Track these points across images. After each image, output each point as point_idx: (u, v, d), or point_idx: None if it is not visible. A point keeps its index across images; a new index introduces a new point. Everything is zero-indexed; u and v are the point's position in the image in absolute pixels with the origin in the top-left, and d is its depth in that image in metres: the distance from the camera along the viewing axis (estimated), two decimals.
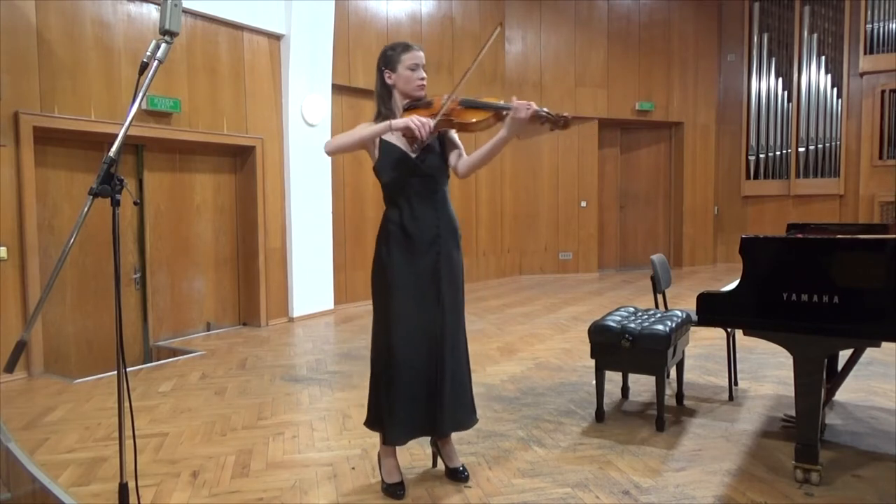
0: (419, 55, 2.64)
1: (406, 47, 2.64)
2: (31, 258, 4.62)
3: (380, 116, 2.66)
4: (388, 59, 2.64)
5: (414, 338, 2.58)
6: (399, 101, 2.66)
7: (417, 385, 2.58)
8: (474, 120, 2.53)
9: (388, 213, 2.66)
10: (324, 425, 3.52)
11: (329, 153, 2.71)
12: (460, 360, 2.71)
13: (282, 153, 6.53)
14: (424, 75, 2.65)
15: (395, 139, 2.60)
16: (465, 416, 2.73)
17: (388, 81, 2.64)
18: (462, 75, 2.56)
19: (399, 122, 2.51)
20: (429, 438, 2.81)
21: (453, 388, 2.64)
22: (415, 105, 2.63)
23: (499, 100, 2.57)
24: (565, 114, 2.45)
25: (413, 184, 2.61)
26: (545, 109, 2.47)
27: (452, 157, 2.67)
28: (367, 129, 2.60)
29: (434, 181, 2.64)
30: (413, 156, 2.60)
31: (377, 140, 2.61)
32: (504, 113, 2.50)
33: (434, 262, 2.61)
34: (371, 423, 2.72)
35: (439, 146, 2.66)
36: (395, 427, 2.59)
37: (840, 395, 3.76)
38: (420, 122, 2.44)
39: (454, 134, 2.70)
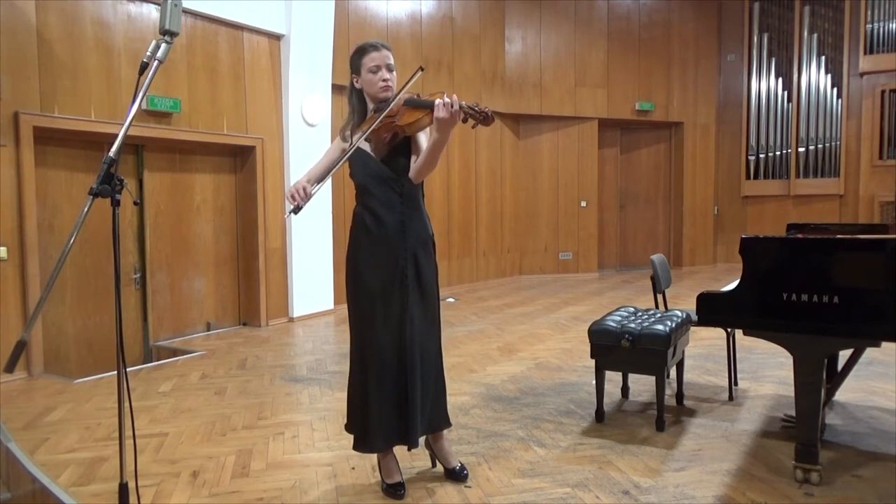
0: (379, 56, 2.56)
1: (365, 50, 2.58)
2: (31, 258, 4.62)
3: (352, 117, 2.67)
4: (352, 63, 2.63)
5: (381, 346, 2.55)
6: (369, 104, 2.65)
7: (387, 394, 2.56)
8: (411, 121, 2.45)
9: (355, 216, 2.65)
10: (324, 425, 3.52)
11: None
12: (430, 370, 2.65)
13: (282, 153, 6.53)
14: (388, 76, 2.56)
15: (361, 142, 2.59)
16: (437, 425, 2.72)
17: (357, 85, 2.64)
18: (394, 95, 2.52)
19: (287, 190, 2.51)
20: (426, 438, 2.81)
21: (424, 398, 2.61)
22: (379, 108, 2.58)
23: (441, 95, 2.43)
24: (487, 109, 2.35)
25: (378, 187, 2.58)
26: (471, 106, 2.35)
27: (412, 161, 2.61)
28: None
29: (400, 185, 2.58)
30: (377, 158, 2.59)
31: (345, 146, 2.65)
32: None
33: (401, 268, 2.57)
34: (350, 427, 2.71)
35: (407, 149, 2.61)
36: (367, 436, 2.59)
37: (840, 395, 3.76)
38: (294, 190, 2.44)
39: (421, 136, 2.61)
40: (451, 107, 2.33)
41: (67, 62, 4.83)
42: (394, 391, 2.57)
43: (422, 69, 2.52)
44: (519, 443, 3.19)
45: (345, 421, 2.78)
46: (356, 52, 2.62)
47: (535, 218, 10.11)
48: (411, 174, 2.59)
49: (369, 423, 2.58)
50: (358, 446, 2.67)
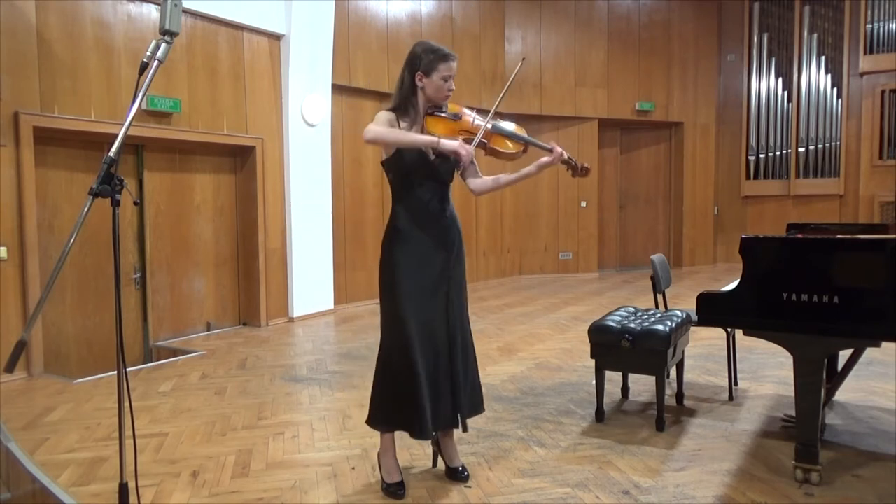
0: (454, 66, 2.64)
1: (445, 57, 2.60)
2: (31, 258, 4.62)
3: (398, 111, 2.63)
4: (424, 62, 2.60)
5: (426, 336, 2.61)
6: (422, 104, 2.65)
7: (432, 383, 2.60)
8: (505, 151, 2.72)
9: (398, 212, 2.65)
10: (324, 425, 3.52)
11: (368, 141, 2.56)
12: (469, 356, 2.77)
13: (282, 153, 6.53)
14: (454, 87, 2.65)
15: None
16: (477, 408, 2.82)
17: (418, 83, 2.62)
18: (495, 103, 2.81)
19: (447, 145, 2.52)
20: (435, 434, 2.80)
21: (466, 383, 2.70)
22: (437, 113, 2.63)
23: (527, 133, 2.80)
24: (586, 164, 2.80)
25: (428, 185, 2.65)
26: (571, 158, 2.77)
27: (468, 174, 2.78)
28: (410, 137, 2.55)
29: (446, 186, 2.72)
30: (432, 158, 2.62)
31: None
32: (532, 148, 2.77)
33: (445, 262, 2.67)
34: (375, 421, 2.70)
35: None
36: (421, 424, 2.56)
37: (840, 395, 3.76)
38: (467, 151, 2.55)
39: None
40: (560, 158, 2.72)
41: (67, 62, 4.83)
42: (447, 375, 2.64)
43: (524, 59, 2.93)
44: (519, 443, 3.19)
45: (365, 416, 2.76)
46: (435, 54, 2.59)
47: (534, 218, 10.11)
48: (480, 188, 2.80)
49: (421, 411, 2.55)
50: (415, 434, 2.60)
